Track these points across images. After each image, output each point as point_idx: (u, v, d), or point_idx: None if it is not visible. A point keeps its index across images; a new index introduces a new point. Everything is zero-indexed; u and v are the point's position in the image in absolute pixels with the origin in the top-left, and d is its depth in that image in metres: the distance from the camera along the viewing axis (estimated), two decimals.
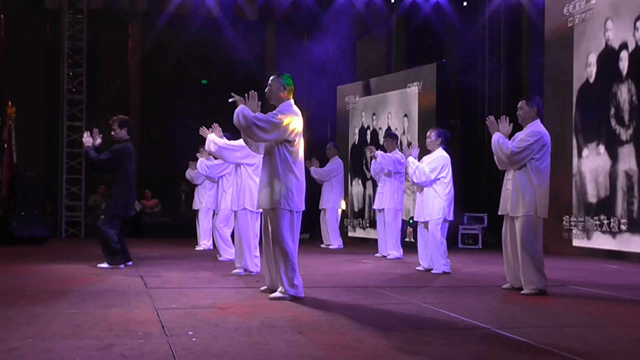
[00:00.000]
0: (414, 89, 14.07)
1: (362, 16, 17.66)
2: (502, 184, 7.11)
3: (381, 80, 15.44)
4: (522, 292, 6.69)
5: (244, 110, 6.12)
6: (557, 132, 12.51)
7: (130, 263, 8.96)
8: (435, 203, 8.73)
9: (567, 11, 12.49)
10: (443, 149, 8.98)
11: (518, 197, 6.77)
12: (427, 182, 8.76)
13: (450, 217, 8.86)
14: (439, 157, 8.86)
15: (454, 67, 16.17)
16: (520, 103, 7.07)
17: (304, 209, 6.33)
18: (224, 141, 8.54)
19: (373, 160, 11.17)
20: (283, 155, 6.19)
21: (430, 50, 17.62)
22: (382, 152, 11.05)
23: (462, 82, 16.88)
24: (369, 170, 12.46)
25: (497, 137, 6.97)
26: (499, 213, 7.12)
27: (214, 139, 8.55)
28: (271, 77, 6.48)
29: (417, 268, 9.10)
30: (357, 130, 15.68)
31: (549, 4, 13.17)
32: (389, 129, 14.47)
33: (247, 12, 17.37)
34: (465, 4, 16.76)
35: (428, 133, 9.12)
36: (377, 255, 11.25)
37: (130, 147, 8.99)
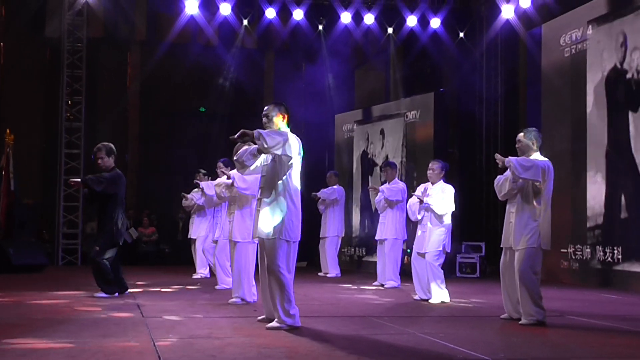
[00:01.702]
0: (411, 118, 14.13)
1: (360, 45, 17.78)
2: (505, 216, 7.08)
3: (379, 108, 15.51)
4: (520, 322, 6.66)
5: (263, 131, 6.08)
6: (554, 161, 12.52)
7: (127, 292, 8.91)
8: (435, 234, 8.74)
9: (563, 41, 12.57)
10: (444, 181, 8.98)
11: (521, 230, 6.76)
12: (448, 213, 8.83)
13: (449, 249, 8.89)
14: (451, 191, 8.89)
15: (451, 96, 16.26)
16: (518, 136, 7.07)
17: (300, 239, 6.32)
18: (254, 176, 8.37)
19: (378, 195, 11.10)
20: (285, 184, 6.18)
21: (428, 79, 17.72)
22: (385, 186, 11.02)
23: (460, 110, 16.96)
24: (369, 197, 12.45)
25: (512, 158, 6.78)
26: (501, 246, 7.07)
27: (239, 175, 8.41)
28: (267, 107, 6.45)
29: (414, 297, 9.07)
30: (355, 159, 15.71)
31: (546, 34, 13.27)
32: (387, 158, 14.50)
33: (246, 40, 17.48)
34: (462, 34, 16.88)
35: (430, 165, 9.08)
36: (374, 283, 11.23)
37: (121, 174, 8.84)
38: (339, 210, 13.43)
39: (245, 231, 8.12)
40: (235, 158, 6.59)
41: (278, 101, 6.57)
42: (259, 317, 6.60)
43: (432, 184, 8.98)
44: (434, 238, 8.74)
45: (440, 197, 8.80)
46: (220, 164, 9.59)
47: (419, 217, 8.99)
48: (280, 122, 6.36)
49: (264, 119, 6.39)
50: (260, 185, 6.39)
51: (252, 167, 6.43)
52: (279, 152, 6.09)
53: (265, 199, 6.24)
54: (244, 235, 8.14)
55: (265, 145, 6.01)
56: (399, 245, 10.99)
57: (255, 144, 6.16)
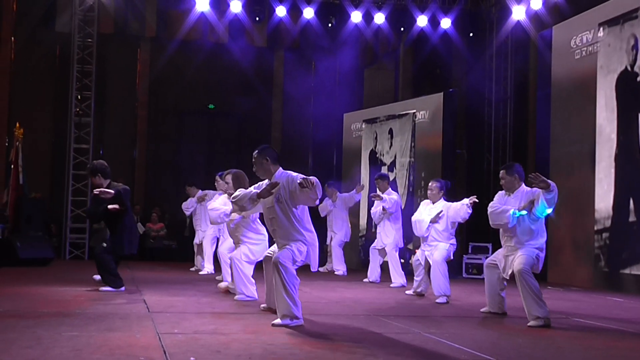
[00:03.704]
0: (420, 118, 14.11)
1: (370, 45, 17.77)
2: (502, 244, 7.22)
3: (388, 108, 15.49)
4: (528, 324, 6.66)
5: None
6: (564, 163, 12.53)
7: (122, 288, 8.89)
8: (441, 248, 8.94)
9: (574, 44, 12.53)
10: (445, 200, 9.12)
11: (526, 238, 6.94)
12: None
13: (451, 257, 9.14)
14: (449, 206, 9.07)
15: (460, 97, 16.24)
16: (501, 173, 7.23)
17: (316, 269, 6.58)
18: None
19: (376, 203, 11.38)
20: (299, 219, 6.27)
21: (437, 79, 17.70)
22: (385, 195, 11.17)
23: (469, 111, 16.93)
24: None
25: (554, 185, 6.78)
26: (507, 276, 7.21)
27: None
28: (254, 154, 6.48)
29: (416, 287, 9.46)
30: (363, 158, 15.69)
31: (556, 36, 13.22)
32: (395, 157, 14.50)
33: (256, 38, 17.50)
34: (471, 35, 16.84)
35: (430, 184, 9.27)
36: (364, 280, 11.53)
37: (122, 188, 8.77)
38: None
39: (246, 252, 8.24)
40: (233, 200, 6.75)
41: (262, 146, 6.56)
42: (262, 306, 6.98)
43: (433, 202, 9.15)
44: (439, 252, 8.94)
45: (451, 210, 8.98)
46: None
47: (426, 234, 9.11)
48: (268, 166, 6.37)
49: (254, 167, 6.51)
50: (272, 228, 6.43)
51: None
52: (317, 202, 6.20)
53: (282, 240, 6.32)
54: (247, 255, 8.25)
55: (315, 197, 6.05)
56: (397, 250, 11.24)
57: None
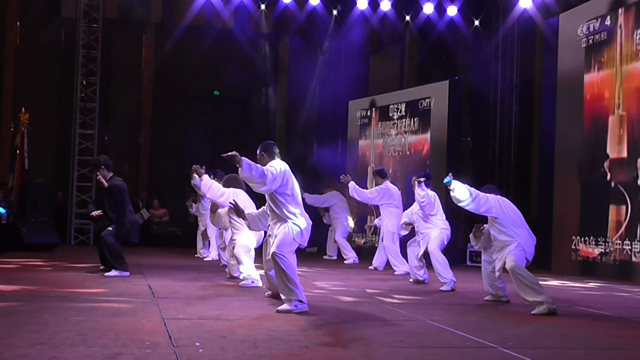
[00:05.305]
0: (426, 106, 14.09)
1: (376, 32, 17.72)
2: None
3: (393, 96, 15.45)
4: (532, 312, 6.67)
5: (251, 162, 6.17)
6: (568, 151, 12.51)
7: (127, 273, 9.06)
8: (434, 235, 9.19)
9: (581, 32, 12.48)
10: (430, 189, 9.34)
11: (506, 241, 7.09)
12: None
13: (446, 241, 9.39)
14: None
15: (466, 85, 16.20)
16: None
17: (305, 245, 6.67)
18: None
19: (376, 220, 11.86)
20: (282, 203, 6.39)
21: (443, 67, 17.65)
22: (355, 185, 11.17)
23: (475, 99, 16.88)
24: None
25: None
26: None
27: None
28: (258, 150, 6.72)
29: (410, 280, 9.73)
30: (368, 145, 15.68)
31: (563, 25, 13.15)
32: (400, 145, 14.51)
33: (262, 24, 17.46)
34: (477, 22, 16.77)
35: (412, 180, 9.50)
36: (370, 267, 11.72)
37: (115, 185, 9.04)
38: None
39: (243, 240, 8.44)
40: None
41: (264, 142, 6.80)
42: (267, 293, 7.06)
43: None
44: (432, 242, 9.13)
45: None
46: None
47: (401, 234, 9.95)
48: (264, 160, 6.53)
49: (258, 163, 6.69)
50: (268, 212, 6.62)
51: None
52: (254, 185, 6.28)
53: (275, 223, 6.49)
54: (245, 242, 8.42)
55: (244, 175, 6.16)
56: (395, 236, 11.19)
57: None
